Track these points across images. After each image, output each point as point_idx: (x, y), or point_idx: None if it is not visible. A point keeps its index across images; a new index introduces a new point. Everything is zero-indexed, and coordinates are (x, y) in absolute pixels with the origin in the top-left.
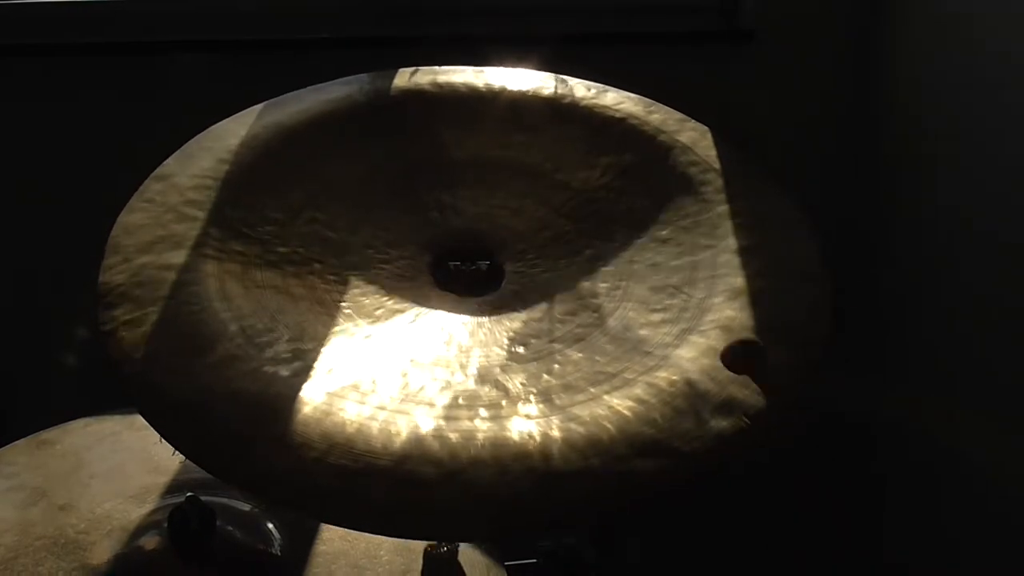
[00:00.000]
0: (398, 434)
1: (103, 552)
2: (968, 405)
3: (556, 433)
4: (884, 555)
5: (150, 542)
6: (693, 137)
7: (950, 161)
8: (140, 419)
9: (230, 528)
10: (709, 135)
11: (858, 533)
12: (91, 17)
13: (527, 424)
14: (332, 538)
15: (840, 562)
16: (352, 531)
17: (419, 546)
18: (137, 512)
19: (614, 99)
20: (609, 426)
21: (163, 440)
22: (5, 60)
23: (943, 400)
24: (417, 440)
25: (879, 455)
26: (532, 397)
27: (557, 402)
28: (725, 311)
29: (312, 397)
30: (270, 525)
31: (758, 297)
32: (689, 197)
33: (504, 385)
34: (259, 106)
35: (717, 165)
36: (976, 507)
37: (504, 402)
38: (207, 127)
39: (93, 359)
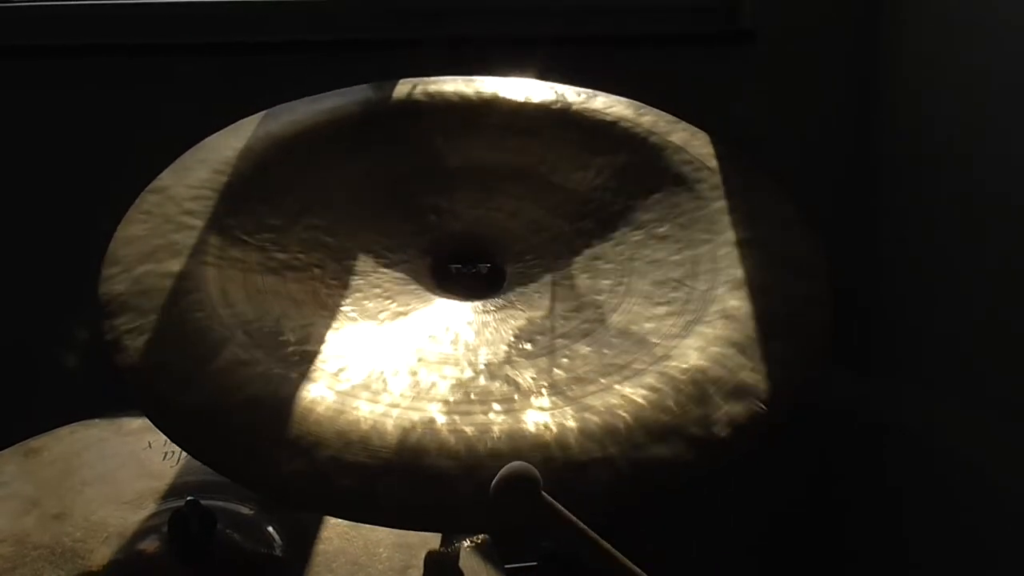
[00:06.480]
0: (413, 429)
1: (102, 559)
2: (971, 404)
3: (572, 423)
4: (889, 555)
5: (150, 547)
6: (684, 137)
7: (950, 159)
8: (127, 424)
9: (230, 531)
10: (700, 135)
11: (862, 534)
12: (90, 18)
13: (542, 416)
14: (331, 536)
15: (844, 563)
16: (350, 529)
17: (418, 541)
18: (133, 518)
19: (604, 103)
20: (624, 415)
21: (151, 445)
22: (2, 61)
23: (949, 399)
24: (433, 435)
25: (889, 455)
26: (544, 390)
27: (569, 394)
28: (729, 301)
29: (324, 397)
30: (270, 528)
31: (760, 288)
32: (685, 194)
33: (515, 380)
34: (252, 117)
35: (711, 163)
36: (982, 508)
37: (516, 396)
38: (207, 129)
39: (74, 366)
